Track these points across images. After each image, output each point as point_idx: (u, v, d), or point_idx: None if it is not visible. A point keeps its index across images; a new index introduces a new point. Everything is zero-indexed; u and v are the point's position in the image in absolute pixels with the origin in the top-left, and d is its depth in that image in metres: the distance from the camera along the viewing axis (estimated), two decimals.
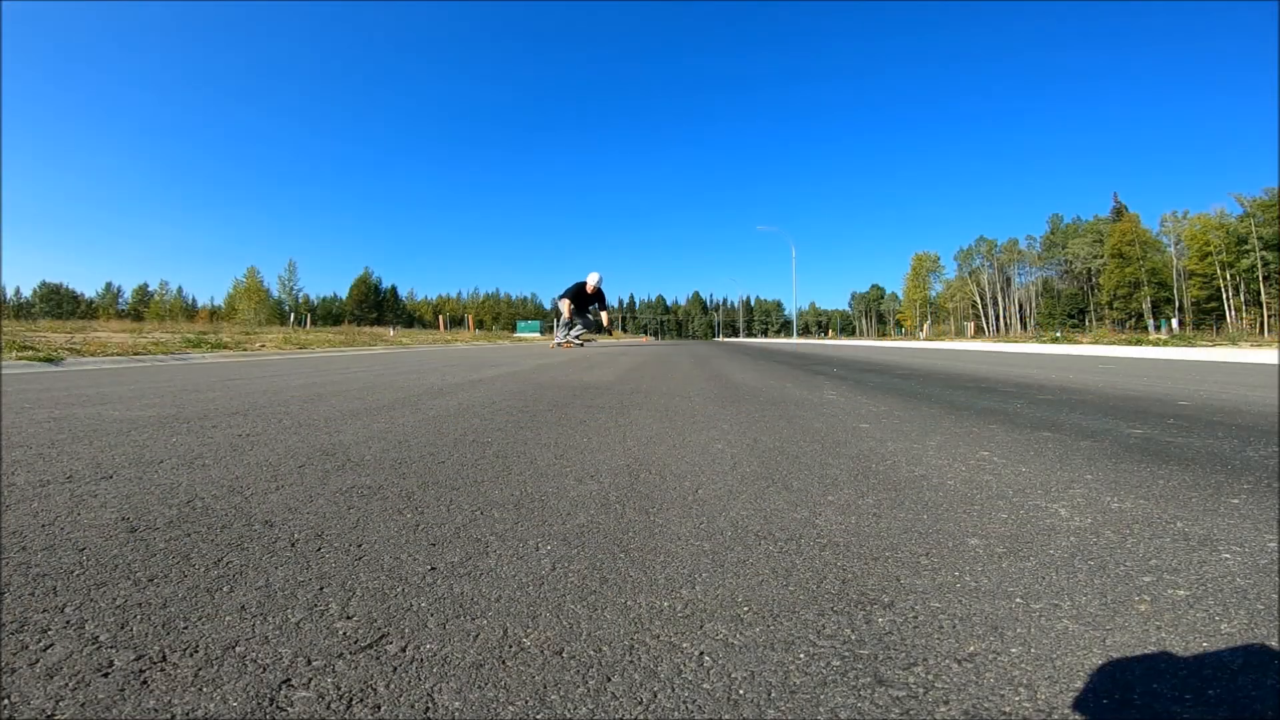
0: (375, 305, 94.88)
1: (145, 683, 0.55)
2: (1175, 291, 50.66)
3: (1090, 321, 50.72)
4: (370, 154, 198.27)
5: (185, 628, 0.65)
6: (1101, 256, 55.54)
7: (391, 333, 29.36)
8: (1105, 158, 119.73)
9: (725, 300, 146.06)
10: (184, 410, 2.39)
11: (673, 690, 0.54)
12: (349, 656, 0.59)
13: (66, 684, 0.55)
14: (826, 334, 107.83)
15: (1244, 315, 45.78)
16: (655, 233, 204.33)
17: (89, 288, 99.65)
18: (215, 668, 0.57)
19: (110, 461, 1.44)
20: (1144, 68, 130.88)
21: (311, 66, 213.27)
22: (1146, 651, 0.59)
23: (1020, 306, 65.80)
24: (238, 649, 0.61)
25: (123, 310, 79.23)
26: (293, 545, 0.89)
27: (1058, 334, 30.27)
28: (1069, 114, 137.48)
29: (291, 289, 72.98)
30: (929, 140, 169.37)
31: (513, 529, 0.97)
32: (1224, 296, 47.28)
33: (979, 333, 49.74)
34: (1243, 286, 46.46)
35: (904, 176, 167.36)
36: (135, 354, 7.29)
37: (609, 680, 0.56)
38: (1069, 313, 58.13)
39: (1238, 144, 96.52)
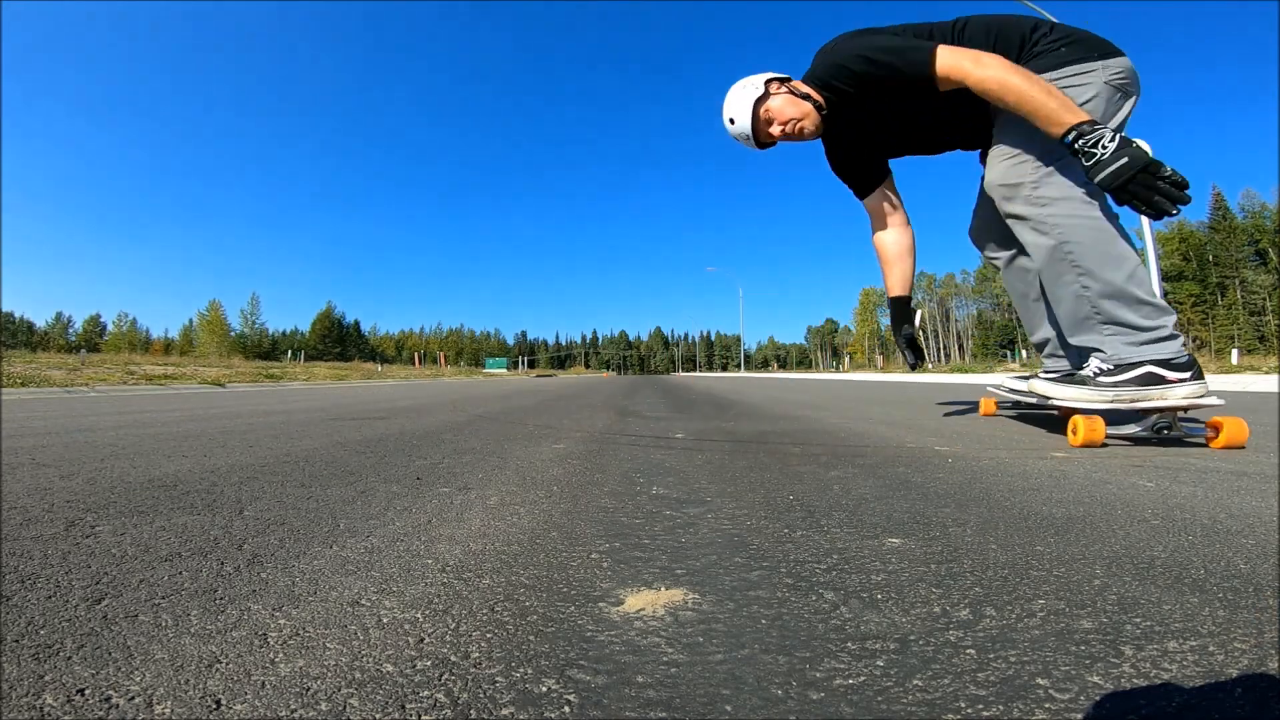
0: (339, 340, 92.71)
1: None
2: None
3: (1018, 351, 54.59)
4: (335, 189, 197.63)
5: None
6: None
7: (380, 368, 29.71)
8: None
9: (685, 336, 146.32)
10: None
11: None
12: None
13: None
14: (781, 367, 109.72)
15: None
16: (618, 271, 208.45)
17: (39, 318, 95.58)
18: None
19: None
20: None
21: (279, 101, 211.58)
22: None
23: (958, 338, 70.10)
24: None
25: (73, 341, 76.34)
26: None
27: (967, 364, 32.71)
28: None
29: (254, 322, 71.93)
30: None
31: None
32: None
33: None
34: None
35: (854, 214, 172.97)
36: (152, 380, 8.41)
37: None
38: (1000, 342, 62.31)
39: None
